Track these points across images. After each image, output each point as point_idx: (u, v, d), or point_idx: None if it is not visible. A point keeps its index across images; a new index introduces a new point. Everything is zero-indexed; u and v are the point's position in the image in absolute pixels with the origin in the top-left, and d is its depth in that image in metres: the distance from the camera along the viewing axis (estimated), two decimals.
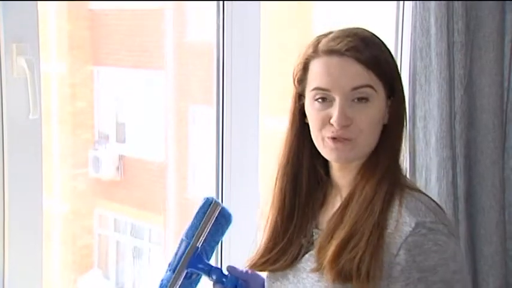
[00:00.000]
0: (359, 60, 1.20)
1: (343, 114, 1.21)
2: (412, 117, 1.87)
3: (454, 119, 1.84)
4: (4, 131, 1.44)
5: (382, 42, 1.27)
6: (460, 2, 1.80)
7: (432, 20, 1.81)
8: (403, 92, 1.28)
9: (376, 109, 1.22)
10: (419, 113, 1.87)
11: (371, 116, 1.22)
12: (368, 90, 1.21)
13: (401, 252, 1.17)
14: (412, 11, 1.85)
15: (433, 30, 1.81)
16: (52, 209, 2.80)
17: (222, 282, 1.32)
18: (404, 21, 2.01)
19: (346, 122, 1.21)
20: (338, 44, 1.22)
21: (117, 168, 2.93)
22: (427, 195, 1.27)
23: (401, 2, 2.02)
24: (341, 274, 1.19)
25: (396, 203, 1.21)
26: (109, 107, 2.95)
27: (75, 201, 2.93)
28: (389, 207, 1.21)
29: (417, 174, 1.87)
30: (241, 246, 1.84)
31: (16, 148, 1.45)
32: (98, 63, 2.83)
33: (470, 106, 1.87)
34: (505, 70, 1.89)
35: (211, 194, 1.88)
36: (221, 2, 1.78)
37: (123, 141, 2.99)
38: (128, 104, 2.97)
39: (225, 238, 1.83)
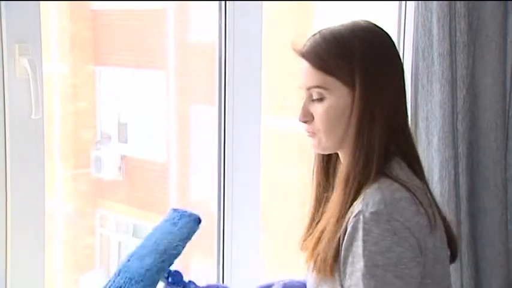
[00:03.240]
0: (310, 61, 1.29)
1: (302, 110, 1.32)
2: (414, 117, 1.87)
3: (457, 119, 1.84)
4: (6, 131, 1.43)
5: (349, 34, 1.29)
6: (462, 2, 1.80)
7: (434, 20, 1.81)
8: (371, 83, 1.27)
9: (331, 106, 1.28)
10: (421, 113, 1.86)
11: (325, 114, 1.29)
12: (318, 90, 1.29)
13: (346, 234, 1.23)
14: (414, 11, 1.85)
15: (435, 31, 1.81)
16: (54, 209, 2.81)
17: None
18: (406, 21, 2.01)
19: (303, 118, 1.32)
20: (303, 46, 1.32)
21: (119, 168, 2.93)
22: (406, 188, 1.25)
23: (404, 2, 2.01)
24: (315, 267, 1.29)
25: (363, 192, 1.25)
26: (111, 107, 2.95)
27: (77, 202, 2.94)
28: (357, 198, 1.25)
29: None
30: (243, 245, 1.84)
31: (18, 148, 1.45)
32: (100, 63, 2.84)
33: (472, 106, 1.86)
34: (507, 70, 1.88)
35: (213, 194, 1.88)
36: (223, 2, 1.78)
37: (125, 142, 2.99)
38: (130, 104, 2.98)
39: (228, 236, 1.83)
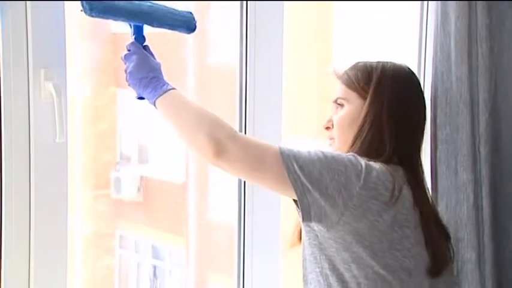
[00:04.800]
0: (340, 79, 1.56)
1: (327, 120, 1.56)
2: (433, 139, 1.87)
3: (479, 142, 1.83)
4: (31, 154, 1.45)
5: (376, 68, 1.52)
6: (484, 25, 1.80)
7: (452, 45, 1.81)
8: (376, 97, 1.49)
9: (346, 112, 1.52)
10: (440, 135, 1.86)
11: (340, 118, 1.53)
12: (340, 100, 1.54)
13: None
14: (433, 35, 1.86)
15: (453, 55, 1.81)
16: (74, 230, 2.81)
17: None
18: (427, 44, 2.01)
19: (325, 124, 1.56)
20: None
21: (139, 189, 2.94)
22: (389, 171, 1.42)
23: (424, 26, 2.02)
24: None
25: None
26: (131, 128, 2.96)
27: (97, 222, 2.95)
28: None
29: (439, 197, 1.86)
30: (264, 265, 1.84)
31: (42, 171, 1.47)
32: (121, 85, 2.86)
33: (495, 129, 1.85)
34: None
35: (233, 214, 1.89)
36: (244, 21, 1.79)
37: (145, 163, 3.01)
38: (150, 125, 2.99)
39: (248, 255, 1.83)
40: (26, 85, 1.43)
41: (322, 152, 1.40)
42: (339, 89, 1.55)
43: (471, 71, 1.81)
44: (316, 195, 1.36)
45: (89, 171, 2.89)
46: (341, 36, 2.91)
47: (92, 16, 1.40)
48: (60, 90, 1.45)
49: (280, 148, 1.38)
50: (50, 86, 1.44)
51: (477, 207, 1.83)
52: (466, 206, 1.82)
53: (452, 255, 1.56)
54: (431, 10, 1.92)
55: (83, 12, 1.39)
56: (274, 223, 1.86)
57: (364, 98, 1.50)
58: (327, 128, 1.56)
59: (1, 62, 1.40)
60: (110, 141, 2.92)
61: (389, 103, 1.49)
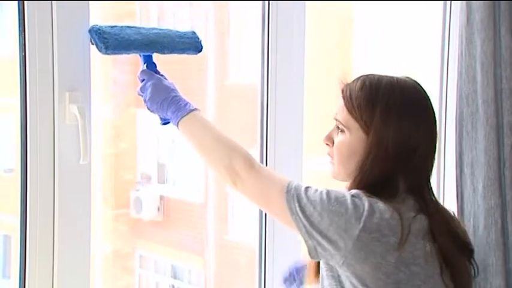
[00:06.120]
0: (343, 100, 1.45)
1: (327, 134, 1.48)
2: (459, 163, 1.85)
3: (504, 166, 1.81)
4: (55, 176, 1.46)
5: (383, 89, 1.42)
6: (508, 49, 1.78)
7: (478, 67, 1.80)
8: (383, 139, 1.40)
9: (346, 142, 1.44)
10: (466, 159, 1.84)
11: (339, 146, 1.45)
12: (341, 125, 1.45)
13: None
14: (458, 58, 1.84)
15: (479, 77, 1.80)
16: (94, 249, 2.82)
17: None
18: (449, 67, 2.00)
19: (325, 140, 1.48)
20: (347, 83, 1.47)
21: (158, 209, 2.95)
22: (393, 208, 1.36)
23: (446, 49, 2.01)
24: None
25: None
26: (151, 148, 2.98)
27: (117, 242, 2.96)
28: None
29: (466, 221, 1.83)
30: None
31: (66, 192, 1.48)
32: (141, 105, 2.87)
33: None
34: None
35: (254, 234, 1.88)
36: (266, 43, 1.80)
37: (164, 182, 3.02)
38: (170, 145, 3.00)
39: (269, 276, 1.82)
40: (51, 108, 1.45)
41: (328, 192, 1.36)
42: (340, 108, 1.45)
43: (497, 94, 1.79)
44: (319, 237, 1.34)
45: (109, 190, 2.90)
46: (361, 53, 2.91)
47: (108, 54, 1.44)
48: (85, 112, 1.46)
49: (287, 186, 1.38)
50: (74, 109, 1.45)
51: (504, 232, 1.80)
52: (494, 231, 1.79)
53: (475, 270, 1.52)
54: (455, 32, 1.91)
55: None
56: (296, 243, 1.86)
57: (366, 133, 1.41)
58: (327, 144, 1.50)
59: (27, 85, 1.42)
60: (130, 161, 2.94)
61: (394, 142, 1.40)
